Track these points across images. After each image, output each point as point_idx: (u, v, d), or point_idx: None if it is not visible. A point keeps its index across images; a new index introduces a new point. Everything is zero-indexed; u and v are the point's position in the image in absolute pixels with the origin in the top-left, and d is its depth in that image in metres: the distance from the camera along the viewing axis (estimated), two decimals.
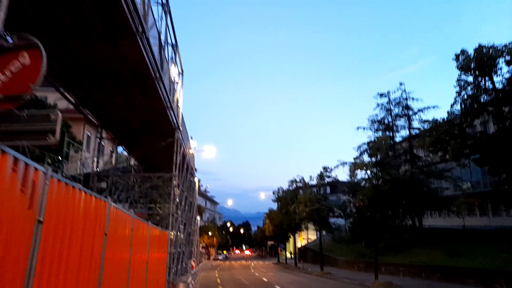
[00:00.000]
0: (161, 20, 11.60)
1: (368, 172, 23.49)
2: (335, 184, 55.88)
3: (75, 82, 11.70)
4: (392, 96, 34.52)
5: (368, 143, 25.44)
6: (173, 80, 14.38)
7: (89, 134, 30.81)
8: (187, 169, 22.69)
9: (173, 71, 14.50)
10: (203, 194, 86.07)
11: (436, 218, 37.78)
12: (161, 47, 11.50)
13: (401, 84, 34.15)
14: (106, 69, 10.64)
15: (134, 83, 11.25)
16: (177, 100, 16.19)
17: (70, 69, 10.89)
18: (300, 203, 33.03)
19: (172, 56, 14.31)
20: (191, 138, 26.03)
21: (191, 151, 27.26)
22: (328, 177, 33.23)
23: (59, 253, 3.61)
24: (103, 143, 28.37)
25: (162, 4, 11.62)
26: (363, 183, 31.46)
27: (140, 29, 8.88)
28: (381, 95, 34.71)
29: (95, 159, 17.75)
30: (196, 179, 33.39)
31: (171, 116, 14.67)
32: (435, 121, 18.39)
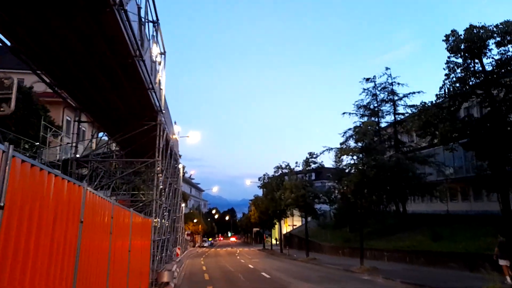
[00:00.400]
0: None
1: (354, 157, 23.41)
2: (321, 170, 56.10)
3: (53, 61, 10.89)
4: (378, 81, 34.45)
5: (354, 128, 25.30)
6: (154, 59, 13.65)
7: (69, 118, 29.56)
8: (171, 154, 22.06)
9: (155, 50, 13.76)
10: (188, 181, 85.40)
11: (419, 204, 38.32)
12: (141, 24, 10.77)
13: (387, 69, 34.08)
14: (86, 46, 9.91)
15: (114, 61, 10.52)
16: (159, 81, 15.47)
17: (48, 47, 10.11)
18: (286, 189, 32.91)
19: (153, 34, 13.55)
20: (175, 123, 25.33)
21: (175, 137, 26.56)
22: (314, 163, 33.14)
23: (26, 241, 3.28)
24: (83, 127, 27.43)
25: None
26: (348, 169, 31.47)
27: (118, 1, 8.18)
28: (367, 79, 34.56)
29: (74, 144, 16.94)
30: (180, 166, 32.77)
31: (153, 98, 13.99)
32: (423, 104, 18.22)
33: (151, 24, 13.31)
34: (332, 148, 34.82)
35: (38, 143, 18.22)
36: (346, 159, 26.06)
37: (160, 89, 15.84)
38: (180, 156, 36.13)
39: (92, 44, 9.71)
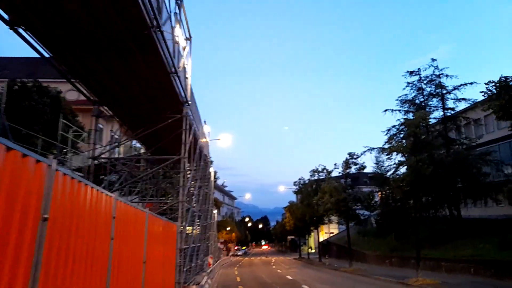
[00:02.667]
0: None
1: (403, 155, 20.64)
2: (357, 176, 52.91)
3: (64, 44, 9.43)
4: (423, 74, 31.31)
5: (404, 121, 22.45)
6: (177, 40, 11.92)
7: (101, 126, 29.11)
8: (200, 155, 20.31)
9: (178, 31, 12.06)
10: (220, 188, 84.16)
11: (472, 208, 34.39)
12: None
13: (433, 60, 30.85)
14: (98, 23, 8.36)
15: (126, 34, 8.84)
16: (184, 68, 13.76)
17: (57, 27, 8.64)
18: (324, 193, 30.30)
19: (176, 11, 11.87)
20: (205, 122, 23.64)
21: (204, 140, 24.90)
22: (355, 164, 30.36)
23: (66, 249, 3.69)
24: (111, 131, 26.42)
25: None
26: (393, 170, 28.44)
27: None
28: (411, 73, 31.50)
29: (96, 145, 15.54)
30: (211, 169, 31.02)
31: (177, 86, 12.24)
32: (504, 79, 15.21)
33: (173, 1, 11.66)
34: (374, 148, 32.10)
35: (65, 149, 17.10)
36: (393, 159, 23.34)
37: (186, 78, 14.14)
38: (211, 161, 34.55)
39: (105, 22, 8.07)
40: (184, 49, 13.43)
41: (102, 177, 19.41)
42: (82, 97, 19.33)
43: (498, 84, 15.21)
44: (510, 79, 14.88)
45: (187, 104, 13.82)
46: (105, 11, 8.03)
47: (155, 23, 8.85)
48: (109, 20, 8.40)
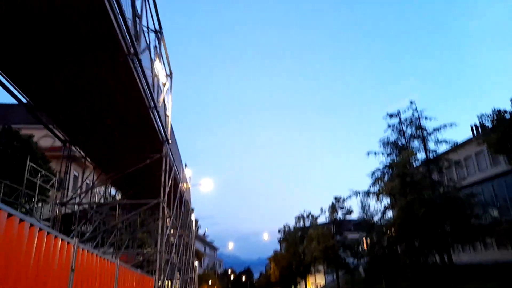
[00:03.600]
0: None
1: (392, 197, 19.93)
2: (340, 223, 51.71)
3: (25, 62, 8.56)
4: (403, 116, 31.67)
5: (390, 163, 22.00)
6: (156, 74, 11.22)
7: (76, 174, 27.49)
8: (181, 200, 18.96)
9: (158, 65, 11.42)
10: (201, 239, 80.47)
11: (461, 253, 33.37)
12: (135, 15, 8.45)
13: (411, 102, 31.40)
14: (63, 29, 7.54)
15: (101, 60, 8.02)
16: (165, 105, 12.97)
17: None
18: (311, 239, 28.87)
19: (155, 45, 11.30)
20: (186, 166, 22.50)
21: (185, 185, 23.59)
22: (341, 208, 29.37)
23: None
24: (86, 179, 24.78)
25: None
26: (380, 215, 27.68)
27: None
28: (391, 115, 31.85)
29: (73, 193, 14.13)
30: (193, 217, 29.29)
31: (156, 122, 11.34)
32: (497, 113, 14.97)
33: (152, 34, 11.13)
34: (359, 192, 31.43)
35: (34, 198, 15.55)
36: (380, 201, 22.61)
37: (166, 115, 13.30)
38: (192, 209, 32.84)
39: (73, 30, 7.28)
40: (164, 85, 12.73)
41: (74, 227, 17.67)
42: (57, 143, 18.10)
43: (493, 117, 15.05)
44: (504, 112, 14.80)
45: (167, 143, 12.85)
46: (81, 29, 7.27)
47: (132, 50, 8.13)
48: (82, 39, 7.62)
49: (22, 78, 8.81)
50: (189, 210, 25.01)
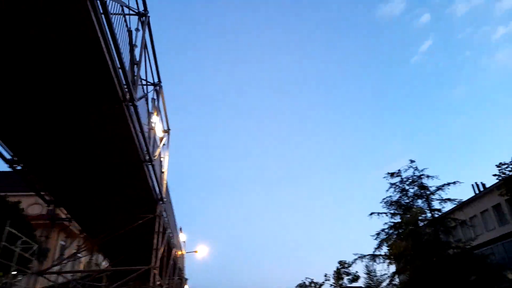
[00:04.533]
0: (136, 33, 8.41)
1: (405, 258, 18.50)
2: None
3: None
4: (404, 175, 31.04)
5: (399, 222, 20.82)
6: (153, 126, 10.62)
7: (63, 243, 25.90)
8: (174, 268, 17.29)
9: (155, 118, 10.88)
10: None
11: None
12: (133, 62, 8.05)
13: (411, 161, 31.01)
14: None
15: (93, 107, 7.41)
16: (161, 161, 12.20)
17: None
18: None
19: (153, 97, 10.86)
20: (181, 230, 21.03)
21: (179, 252, 21.90)
22: (347, 274, 27.29)
23: None
24: (69, 247, 22.99)
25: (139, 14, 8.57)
26: (388, 281, 25.85)
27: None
28: (392, 174, 31.19)
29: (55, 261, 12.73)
30: (187, 283, 26.85)
31: (151, 178, 10.47)
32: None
33: (150, 87, 10.75)
34: (365, 255, 29.58)
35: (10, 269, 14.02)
36: (387, 266, 21.03)
37: (162, 172, 12.47)
38: (186, 279, 30.40)
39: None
40: (161, 140, 12.09)
41: None
42: (45, 211, 16.85)
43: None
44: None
45: (161, 202, 11.84)
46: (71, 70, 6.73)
47: (127, 96, 7.57)
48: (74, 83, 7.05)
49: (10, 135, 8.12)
50: (182, 279, 22.95)
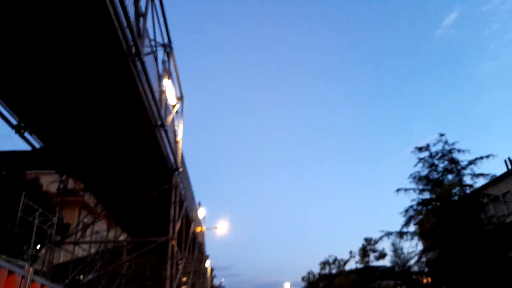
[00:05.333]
0: None
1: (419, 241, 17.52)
2: (370, 269, 47.53)
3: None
4: (433, 149, 29.47)
5: (435, 196, 19.65)
6: (163, 88, 9.92)
7: (85, 220, 26.23)
8: (194, 242, 16.98)
9: (166, 82, 10.19)
10: None
11: None
12: (138, 12, 7.30)
13: (441, 135, 29.34)
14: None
15: (99, 61, 6.76)
16: (174, 129, 11.59)
17: None
18: (341, 286, 25.82)
19: (163, 59, 10.15)
20: (199, 204, 20.67)
21: (198, 229, 21.58)
22: (373, 251, 26.49)
23: None
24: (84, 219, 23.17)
25: None
26: (416, 258, 24.85)
27: None
28: (420, 149, 29.68)
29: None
30: (208, 263, 26.81)
31: (164, 146, 9.89)
32: None
33: (161, 48, 10.03)
34: (391, 233, 28.63)
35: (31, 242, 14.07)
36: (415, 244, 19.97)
37: (176, 141, 11.89)
38: (207, 256, 30.41)
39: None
40: (174, 107, 11.44)
41: (79, 277, 15.85)
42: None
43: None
44: None
45: (177, 172, 11.28)
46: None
47: (133, 50, 6.87)
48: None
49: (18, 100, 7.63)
50: (203, 255, 22.78)
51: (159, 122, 9.07)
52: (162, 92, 9.72)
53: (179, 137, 12.07)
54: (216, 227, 25.38)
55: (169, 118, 10.26)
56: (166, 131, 9.50)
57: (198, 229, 21.02)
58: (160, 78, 9.73)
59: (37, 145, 9.20)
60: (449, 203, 16.31)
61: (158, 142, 9.46)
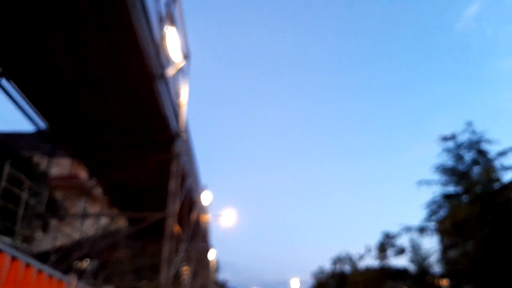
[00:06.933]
0: None
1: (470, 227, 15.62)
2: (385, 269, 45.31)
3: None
4: (460, 139, 27.40)
5: (467, 186, 17.74)
6: (164, 35, 8.29)
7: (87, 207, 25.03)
8: (198, 226, 15.42)
9: (170, 30, 8.58)
10: (222, 286, 74.50)
11: None
12: None
13: (468, 124, 27.24)
14: None
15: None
16: (178, 90, 10.00)
17: None
18: (356, 284, 24.07)
19: (167, 1, 8.54)
20: (206, 187, 19.03)
21: (204, 211, 19.96)
22: (393, 246, 24.57)
23: None
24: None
25: None
26: (434, 258, 22.97)
27: None
28: (445, 138, 27.67)
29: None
30: (212, 253, 25.16)
31: (164, 103, 8.30)
32: None
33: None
34: (411, 228, 26.72)
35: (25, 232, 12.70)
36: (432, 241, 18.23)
37: (178, 106, 10.29)
38: (211, 246, 28.90)
39: None
40: (177, 65, 9.82)
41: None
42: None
43: None
44: None
45: (178, 137, 9.69)
46: None
47: None
48: None
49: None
50: (207, 242, 21.24)
51: (159, 71, 7.48)
52: (163, 38, 8.12)
53: (183, 100, 10.45)
54: (221, 214, 23.01)
55: (171, 70, 8.66)
56: (167, 84, 7.91)
57: (203, 216, 19.41)
58: (161, 22, 8.13)
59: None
60: (488, 190, 14.39)
61: (156, 97, 7.88)
